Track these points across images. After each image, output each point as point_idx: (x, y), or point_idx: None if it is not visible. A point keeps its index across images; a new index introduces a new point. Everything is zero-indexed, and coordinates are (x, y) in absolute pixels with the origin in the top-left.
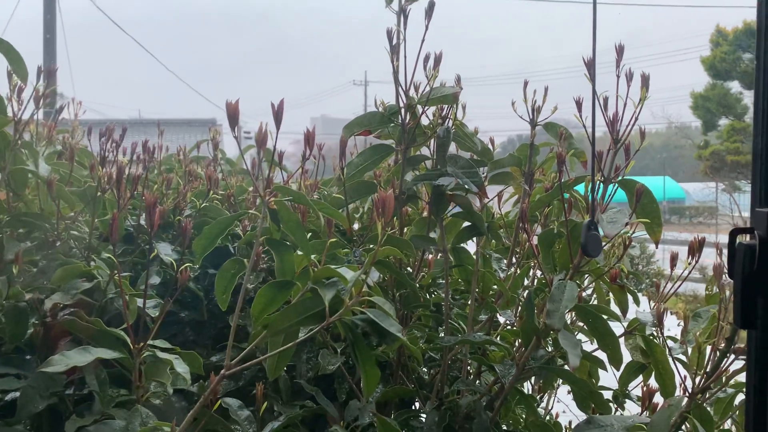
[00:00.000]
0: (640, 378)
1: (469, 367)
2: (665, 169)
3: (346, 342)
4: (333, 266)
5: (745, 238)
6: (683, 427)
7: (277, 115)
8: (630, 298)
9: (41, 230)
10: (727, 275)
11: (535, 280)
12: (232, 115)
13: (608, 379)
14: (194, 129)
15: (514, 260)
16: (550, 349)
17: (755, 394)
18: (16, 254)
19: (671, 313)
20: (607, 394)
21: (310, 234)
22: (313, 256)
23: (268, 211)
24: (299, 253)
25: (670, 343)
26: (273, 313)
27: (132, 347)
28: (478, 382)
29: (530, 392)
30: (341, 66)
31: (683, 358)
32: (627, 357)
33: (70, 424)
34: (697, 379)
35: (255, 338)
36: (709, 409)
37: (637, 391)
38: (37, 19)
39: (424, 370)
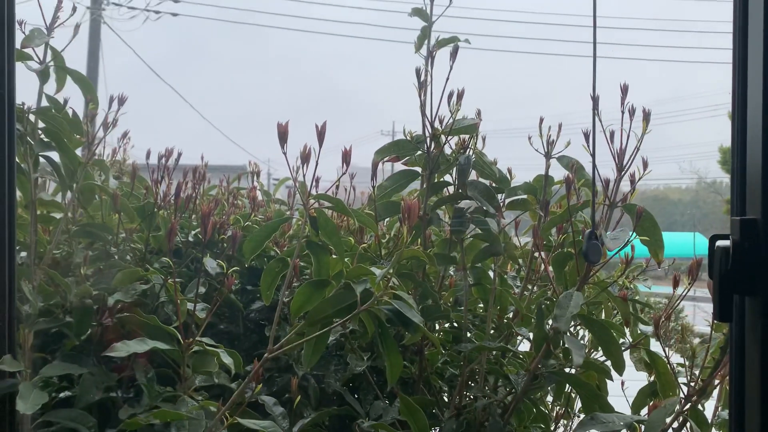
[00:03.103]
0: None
1: (486, 383)
2: (695, 225)
3: (372, 340)
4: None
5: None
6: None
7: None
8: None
9: (103, 240)
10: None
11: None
12: (282, 135)
13: (622, 406)
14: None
15: (529, 286)
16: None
17: (736, 375)
18: (84, 257)
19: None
20: None
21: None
22: (346, 260)
23: (308, 218)
24: (334, 257)
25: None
26: None
27: (182, 342)
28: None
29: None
30: (374, 117)
31: (682, 361)
32: (635, 375)
33: (123, 411)
34: (692, 384)
35: (295, 328)
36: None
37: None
38: (80, 67)
39: (445, 388)
